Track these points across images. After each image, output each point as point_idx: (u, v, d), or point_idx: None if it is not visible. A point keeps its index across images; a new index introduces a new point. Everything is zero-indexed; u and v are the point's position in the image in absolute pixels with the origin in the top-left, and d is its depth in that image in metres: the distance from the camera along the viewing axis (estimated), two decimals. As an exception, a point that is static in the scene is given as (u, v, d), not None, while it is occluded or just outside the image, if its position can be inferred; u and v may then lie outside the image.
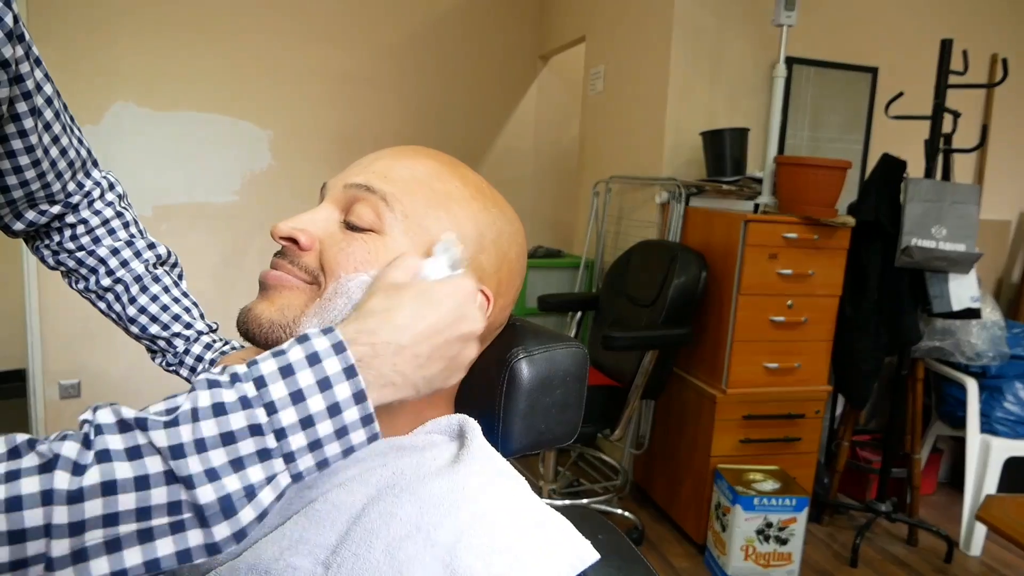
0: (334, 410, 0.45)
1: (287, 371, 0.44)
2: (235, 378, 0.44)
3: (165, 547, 0.41)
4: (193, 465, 0.41)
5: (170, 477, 0.40)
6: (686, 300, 2.27)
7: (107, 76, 2.90)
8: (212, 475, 0.41)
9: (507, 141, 3.86)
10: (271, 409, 0.43)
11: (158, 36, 2.95)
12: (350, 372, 0.46)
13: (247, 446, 0.43)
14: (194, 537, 0.41)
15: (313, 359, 0.45)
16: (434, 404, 0.64)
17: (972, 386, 2.57)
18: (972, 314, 2.38)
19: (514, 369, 0.66)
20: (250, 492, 0.43)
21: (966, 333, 2.52)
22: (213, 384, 0.44)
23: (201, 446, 0.41)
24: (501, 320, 0.67)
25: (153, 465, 0.40)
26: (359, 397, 0.46)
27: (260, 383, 0.44)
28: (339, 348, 0.46)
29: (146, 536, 0.40)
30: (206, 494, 0.41)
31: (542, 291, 2.86)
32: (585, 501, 2.61)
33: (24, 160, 0.67)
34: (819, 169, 2.26)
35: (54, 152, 0.71)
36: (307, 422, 0.44)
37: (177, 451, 0.41)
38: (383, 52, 3.45)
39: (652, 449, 2.72)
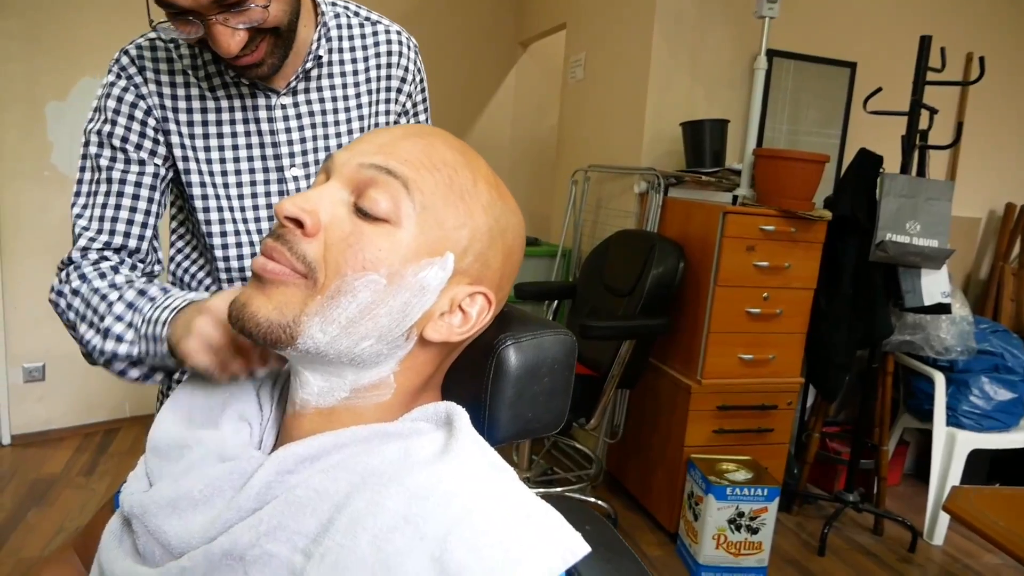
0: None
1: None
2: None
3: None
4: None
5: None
6: (663, 290, 2.27)
7: (73, 50, 2.80)
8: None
9: (485, 128, 3.83)
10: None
11: (127, 7, 2.84)
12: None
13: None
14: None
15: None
16: (422, 392, 0.62)
17: (940, 380, 2.61)
18: (942, 309, 2.42)
19: (501, 356, 0.64)
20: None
21: (936, 328, 2.56)
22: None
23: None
24: (497, 311, 0.65)
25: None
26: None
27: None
28: None
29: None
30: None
31: (519, 279, 2.84)
32: (559, 490, 2.61)
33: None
34: (797, 162, 2.27)
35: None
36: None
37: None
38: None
39: (626, 438, 2.73)
